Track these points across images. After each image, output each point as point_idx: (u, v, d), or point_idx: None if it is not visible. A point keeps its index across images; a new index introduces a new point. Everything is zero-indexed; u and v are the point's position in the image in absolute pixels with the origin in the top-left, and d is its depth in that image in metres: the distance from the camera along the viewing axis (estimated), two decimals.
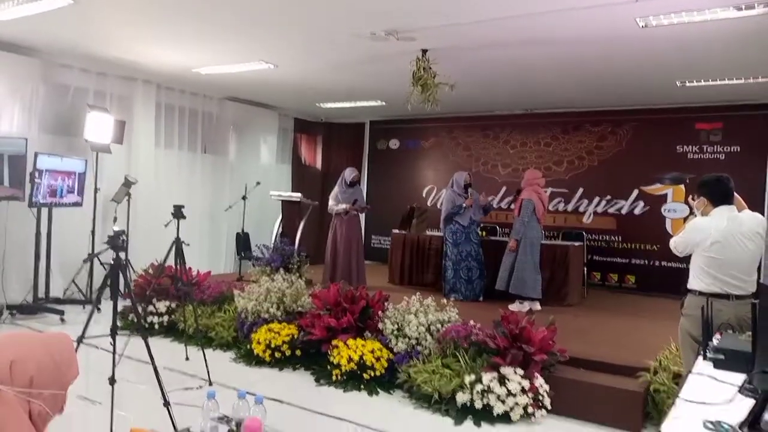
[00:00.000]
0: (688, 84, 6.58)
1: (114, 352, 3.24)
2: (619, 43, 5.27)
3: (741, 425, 1.68)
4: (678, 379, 3.72)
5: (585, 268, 7.51)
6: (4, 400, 1.23)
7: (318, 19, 5.02)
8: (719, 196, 3.24)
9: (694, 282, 3.27)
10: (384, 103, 8.73)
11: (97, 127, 6.79)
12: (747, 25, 4.54)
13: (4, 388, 1.23)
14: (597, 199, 8.32)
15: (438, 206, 9.48)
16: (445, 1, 4.44)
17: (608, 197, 8.24)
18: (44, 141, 6.69)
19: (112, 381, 3.25)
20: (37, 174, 6.07)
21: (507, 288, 6.31)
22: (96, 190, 6.91)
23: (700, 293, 3.19)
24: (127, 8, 4.96)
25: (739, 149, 7.40)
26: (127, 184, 7.10)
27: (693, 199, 3.43)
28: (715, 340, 2.65)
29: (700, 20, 4.44)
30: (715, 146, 7.55)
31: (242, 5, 4.72)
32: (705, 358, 2.47)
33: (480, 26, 4.95)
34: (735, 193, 3.29)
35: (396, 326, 4.66)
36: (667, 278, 7.62)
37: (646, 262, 7.93)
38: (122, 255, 3.34)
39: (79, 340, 3.36)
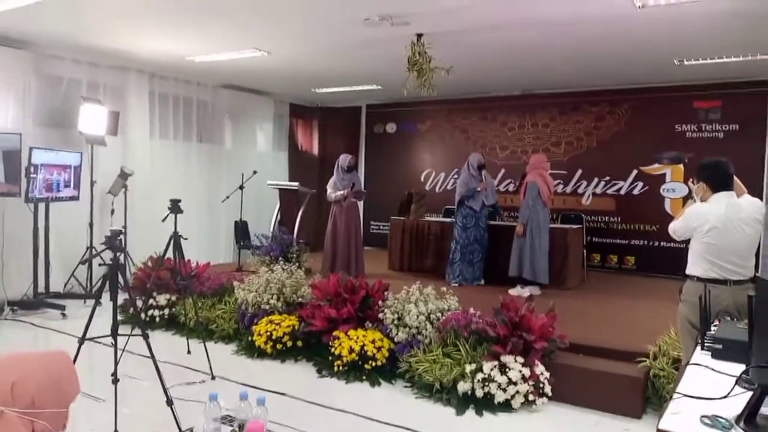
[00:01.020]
0: (686, 62, 6.52)
1: (115, 353, 3.25)
2: (617, 23, 5.21)
3: (737, 419, 1.69)
4: (677, 364, 3.74)
5: (584, 251, 7.52)
6: (7, 421, 1.24)
7: (311, 5, 4.96)
8: (718, 182, 3.22)
9: (693, 267, 3.27)
10: (380, 87, 8.66)
11: (91, 119, 6.75)
12: (744, 2, 4.48)
13: (6, 410, 1.23)
14: (596, 180, 8.30)
15: (436, 190, 9.51)
16: None
17: (607, 178, 8.22)
18: (38, 135, 6.64)
19: (114, 380, 3.27)
20: (32, 169, 6.04)
21: (519, 273, 6.31)
22: (92, 183, 6.89)
23: (699, 279, 3.20)
24: None
25: (737, 127, 7.36)
26: (123, 175, 7.08)
27: (692, 183, 3.41)
28: (714, 329, 2.65)
29: None
30: (714, 125, 7.51)
31: None
32: (703, 347, 2.48)
33: (474, 9, 4.89)
34: (735, 178, 3.27)
35: (396, 316, 4.67)
36: (666, 259, 7.61)
37: (646, 242, 7.94)
38: (120, 255, 3.33)
39: (82, 341, 3.38)
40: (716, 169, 3.25)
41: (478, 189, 6.73)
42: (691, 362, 2.35)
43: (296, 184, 7.53)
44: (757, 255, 3.56)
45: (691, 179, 3.47)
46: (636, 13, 4.77)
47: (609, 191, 8.22)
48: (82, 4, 5.05)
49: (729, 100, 7.42)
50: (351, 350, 4.52)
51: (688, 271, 3.32)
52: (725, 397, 1.85)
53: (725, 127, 7.44)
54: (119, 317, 3.51)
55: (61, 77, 6.94)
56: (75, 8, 5.15)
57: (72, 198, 6.66)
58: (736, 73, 6.97)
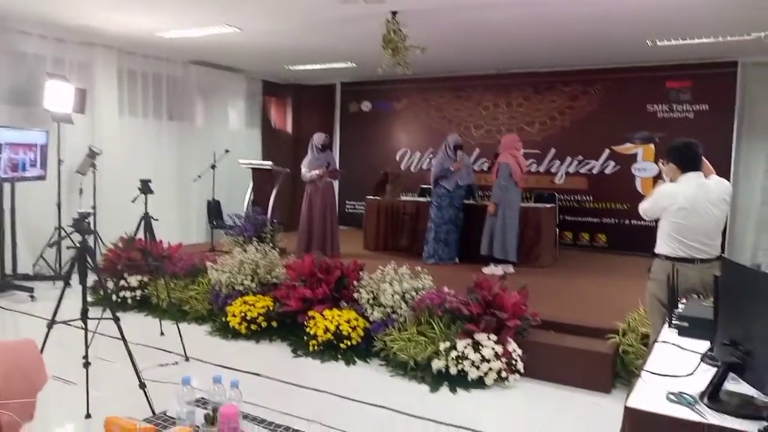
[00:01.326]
0: (659, 43, 6.58)
1: (86, 336, 3.20)
2: (591, 3, 5.22)
3: (701, 395, 1.73)
4: (646, 340, 3.84)
5: (557, 229, 7.62)
6: None
7: None
8: (688, 163, 3.27)
9: (661, 246, 3.33)
10: (355, 65, 8.57)
11: (57, 96, 6.55)
12: None
13: None
14: (569, 159, 8.38)
15: (412, 170, 9.50)
16: None
17: (580, 157, 8.31)
18: (2, 112, 6.43)
19: (86, 364, 3.23)
20: None
21: (488, 251, 6.37)
22: (59, 162, 6.71)
23: (667, 257, 3.26)
24: None
25: (707, 107, 7.48)
26: (92, 154, 6.92)
27: (662, 164, 3.46)
28: (681, 307, 2.72)
29: None
30: (684, 105, 7.62)
31: None
32: (670, 325, 2.54)
33: None
34: (704, 159, 3.33)
35: (371, 295, 4.69)
36: (637, 236, 7.75)
37: (617, 221, 8.07)
38: (88, 238, 3.26)
39: (51, 324, 3.32)
40: (685, 150, 3.31)
41: (452, 169, 6.73)
42: (658, 340, 2.40)
43: (269, 163, 7.44)
44: (723, 234, 3.66)
45: (661, 160, 3.53)
46: None
47: (582, 170, 8.31)
48: None
49: (699, 80, 7.52)
50: (326, 330, 4.53)
51: (656, 250, 3.38)
52: (690, 374, 1.90)
53: (695, 107, 7.56)
54: (90, 299, 3.46)
55: (26, 53, 6.71)
56: None
57: (39, 178, 6.48)
58: (707, 53, 7.06)
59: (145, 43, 7.30)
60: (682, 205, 3.18)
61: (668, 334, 2.46)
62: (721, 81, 7.35)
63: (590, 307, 4.96)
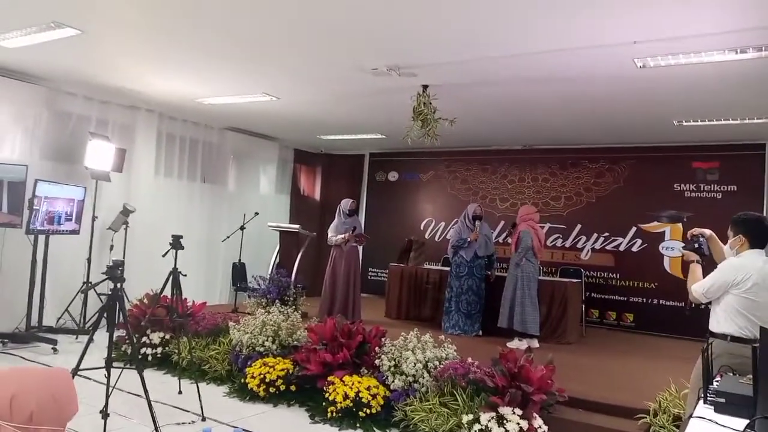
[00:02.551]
0: (685, 123, 6.66)
1: (108, 385, 3.19)
2: (617, 83, 5.35)
3: None
4: (678, 422, 3.67)
5: (583, 306, 7.47)
6: None
7: (321, 54, 5.11)
8: (758, 238, 3.14)
9: (726, 325, 3.07)
10: (384, 136, 8.80)
11: (98, 154, 6.83)
12: (742, 67, 4.62)
13: (3, 424, 1.21)
14: (595, 235, 8.33)
15: (436, 239, 9.52)
16: (446, 39, 4.52)
17: (606, 234, 8.25)
18: (45, 168, 6.71)
19: (105, 414, 3.20)
20: (36, 201, 6.07)
21: (508, 325, 6.27)
22: (94, 218, 6.91)
23: (733, 338, 2.99)
24: (133, 39, 5.05)
25: (735, 189, 7.45)
26: (125, 212, 7.11)
27: (730, 235, 3.24)
28: (716, 383, 2.62)
29: (697, 62, 4.53)
30: (712, 185, 7.60)
31: (247, 38, 4.81)
32: (706, 401, 2.44)
33: (480, 63, 5.04)
34: None
35: (393, 363, 4.60)
36: (665, 317, 7.59)
37: (645, 300, 7.90)
38: (120, 286, 3.31)
39: (74, 372, 3.32)
40: (758, 225, 3.18)
41: (469, 239, 6.74)
42: (694, 415, 2.31)
43: (297, 226, 7.55)
44: None
45: (730, 231, 3.26)
46: (637, 73, 4.91)
47: (608, 247, 8.23)
48: (96, 44, 5.19)
49: (727, 161, 7.54)
50: (345, 396, 4.43)
51: (718, 329, 3.11)
52: None
53: (723, 187, 7.53)
54: (112, 355, 3.46)
55: (71, 113, 7.05)
56: (89, 47, 5.28)
57: (73, 231, 6.66)
58: (734, 135, 7.12)
59: (185, 108, 7.64)
60: (756, 281, 2.99)
61: (703, 410, 2.36)
62: (749, 162, 7.36)
63: (618, 386, 4.79)
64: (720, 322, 3.10)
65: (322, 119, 7.93)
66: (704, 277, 3.21)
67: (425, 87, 5.75)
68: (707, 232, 3.38)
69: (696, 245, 3.33)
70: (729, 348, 2.97)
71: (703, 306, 3.28)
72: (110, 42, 5.16)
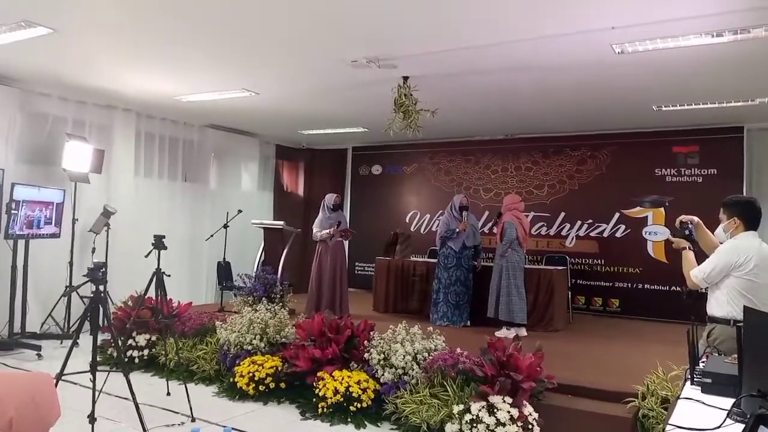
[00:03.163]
0: (664, 108, 6.71)
1: (94, 389, 3.15)
2: (596, 69, 5.36)
3: None
4: (666, 404, 3.70)
5: (569, 293, 7.52)
6: None
7: (300, 47, 5.05)
8: (752, 220, 3.15)
9: (728, 308, 3.06)
10: (366, 130, 8.76)
11: (76, 156, 6.71)
12: (720, 51, 4.66)
13: None
14: (579, 222, 8.38)
15: (421, 231, 9.52)
16: (425, 29, 4.50)
17: (590, 221, 8.31)
18: (21, 171, 6.58)
19: (92, 419, 3.15)
20: (13, 205, 5.96)
21: (495, 314, 6.29)
22: (74, 220, 6.80)
23: (736, 322, 2.91)
24: (108, 36, 4.95)
25: (715, 172, 7.53)
26: (106, 214, 7.00)
27: (723, 218, 3.26)
28: (701, 364, 2.64)
29: (674, 46, 4.55)
30: (693, 169, 7.68)
31: (225, 33, 4.74)
32: (692, 382, 2.46)
33: (460, 54, 5.02)
34: None
35: (382, 356, 4.60)
36: (650, 301, 7.67)
37: (629, 285, 7.97)
38: (102, 288, 3.26)
39: (58, 378, 3.27)
40: (752, 207, 3.18)
41: (457, 230, 6.75)
42: (681, 396, 2.33)
43: (281, 223, 7.49)
44: None
45: (723, 215, 3.26)
46: (615, 58, 4.92)
47: (592, 234, 8.29)
48: (70, 43, 5.08)
49: (706, 145, 7.61)
50: (336, 391, 4.42)
51: (719, 314, 3.10)
52: (718, 428, 1.83)
53: (703, 171, 7.62)
54: (98, 358, 3.41)
55: (47, 114, 6.92)
56: (63, 47, 5.17)
57: (53, 235, 6.55)
58: (713, 118, 7.19)
59: (163, 106, 7.54)
60: (757, 262, 2.99)
61: (690, 391, 2.39)
62: (728, 146, 7.44)
63: (606, 371, 4.82)
64: (722, 305, 3.11)
65: (303, 114, 7.88)
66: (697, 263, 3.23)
67: (405, 78, 5.72)
68: (695, 219, 3.41)
69: (687, 232, 3.35)
70: (733, 332, 2.95)
71: (701, 291, 3.29)
72: (84, 40, 5.06)
